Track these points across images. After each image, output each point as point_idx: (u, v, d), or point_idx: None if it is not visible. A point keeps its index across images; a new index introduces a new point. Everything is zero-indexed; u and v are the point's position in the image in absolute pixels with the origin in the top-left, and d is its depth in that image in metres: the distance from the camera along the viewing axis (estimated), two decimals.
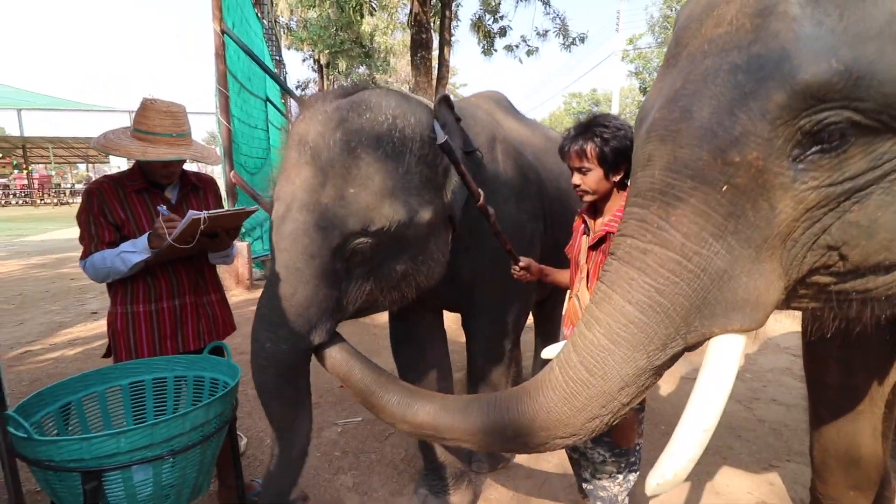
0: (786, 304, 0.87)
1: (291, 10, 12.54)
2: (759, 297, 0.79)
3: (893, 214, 0.75)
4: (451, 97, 1.53)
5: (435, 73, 7.29)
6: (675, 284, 0.79)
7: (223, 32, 5.31)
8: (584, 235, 1.42)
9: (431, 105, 1.49)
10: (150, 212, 1.63)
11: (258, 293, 1.42)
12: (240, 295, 5.27)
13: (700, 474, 2.21)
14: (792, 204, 0.76)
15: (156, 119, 1.58)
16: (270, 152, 7.88)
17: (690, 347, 0.84)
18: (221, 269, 2.01)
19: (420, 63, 6.44)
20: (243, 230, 5.49)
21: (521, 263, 1.53)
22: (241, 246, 5.21)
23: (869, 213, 0.75)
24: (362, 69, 17.38)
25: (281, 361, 1.29)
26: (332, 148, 1.29)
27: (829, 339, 1.44)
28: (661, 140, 0.83)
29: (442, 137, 1.31)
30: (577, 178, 1.35)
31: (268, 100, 7.67)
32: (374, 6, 6.75)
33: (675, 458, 0.81)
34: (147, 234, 1.54)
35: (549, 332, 2.86)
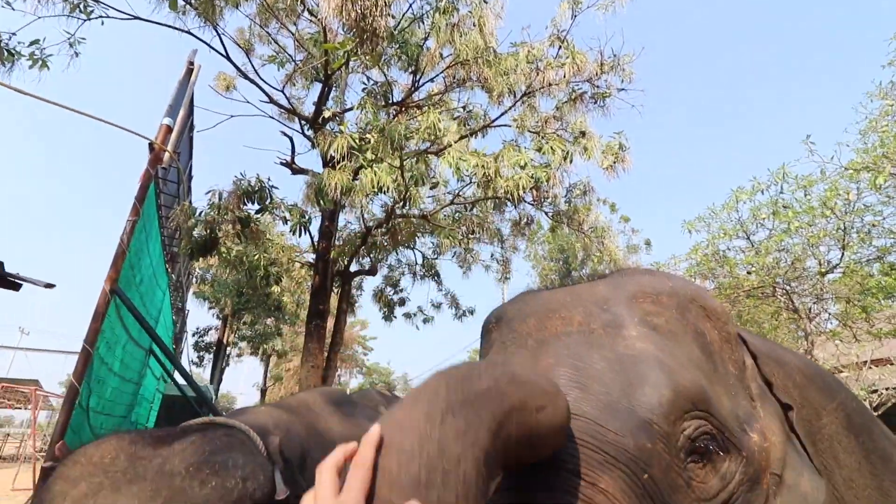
0: None
1: (209, 267, 13.29)
2: None
3: None
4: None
5: (328, 341, 7.65)
6: None
7: (112, 292, 5.34)
8: None
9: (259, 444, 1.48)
10: None
11: None
12: None
13: None
14: None
15: None
16: (133, 409, 6.94)
17: None
18: None
19: (314, 330, 6.80)
20: None
21: None
22: None
23: None
24: (269, 321, 17.66)
25: None
26: None
27: None
28: None
29: (283, 492, 1.35)
30: None
31: (151, 351, 7.26)
32: (281, 277, 7.44)
33: None
34: None
35: None
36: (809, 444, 1.17)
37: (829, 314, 8.15)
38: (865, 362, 7.81)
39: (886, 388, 7.71)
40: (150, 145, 4.72)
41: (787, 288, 7.74)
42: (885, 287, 7.91)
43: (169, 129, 4.92)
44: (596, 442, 0.72)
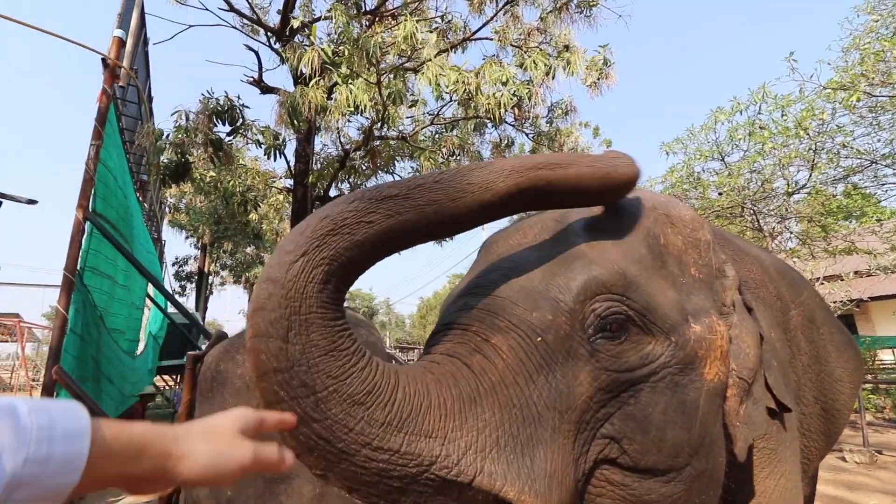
0: None
1: (182, 195, 12.89)
2: (554, 473, 0.77)
3: (660, 414, 0.86)
4: None
5: None
6: (494, 399, 0.78)
7: (85, 220, 5.21)
8: None
9: None
10: None
11: None
12: None
13: None
14: (588, 379, 0.84)
15: None
16: (147, 326, 7.10)
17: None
18: None
19: None
20: None
21: None
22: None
23: (641, 408, 0.86)
24: (250, 249, 17.57)
25: None
26: None
27: None
28: (476, 295, 0.93)
29: None
30: None
31: (148, 296, 7.30)
32: (259, 203, 7.31)
33: None
34: None
35: None
36: (781, 333, 1.29)
37: (791, 233, 8.59)
38: (819, 278, 8.42)
39: (834, 302, 8.40)
40: (104, 61, 4.35)
41: (755, 209, 8.04)
42: (846, 207, 8.29)
43: (122, 43, 4.50)
44: (504, 314, 0.87)
